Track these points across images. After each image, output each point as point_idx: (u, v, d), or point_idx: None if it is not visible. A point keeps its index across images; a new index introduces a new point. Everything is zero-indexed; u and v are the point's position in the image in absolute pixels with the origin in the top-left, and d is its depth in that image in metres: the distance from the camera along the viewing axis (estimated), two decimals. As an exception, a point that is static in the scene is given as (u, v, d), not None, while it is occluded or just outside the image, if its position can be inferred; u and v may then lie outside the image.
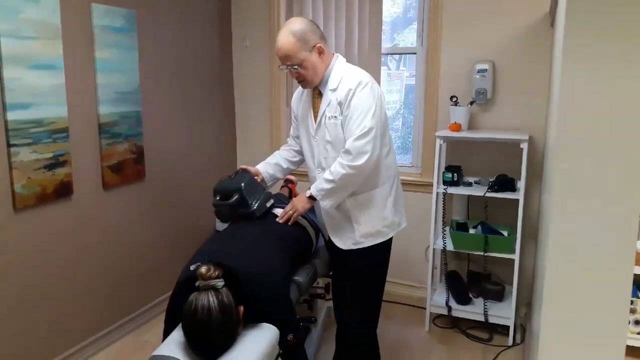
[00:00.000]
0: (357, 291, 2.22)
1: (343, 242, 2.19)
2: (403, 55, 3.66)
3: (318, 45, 2.06)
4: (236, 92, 3.93)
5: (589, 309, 1.43)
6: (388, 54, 3.62)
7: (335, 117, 2.07)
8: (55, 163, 2.51)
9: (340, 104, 2.05)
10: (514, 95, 3.09)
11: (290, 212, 2.16)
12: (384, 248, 2.22)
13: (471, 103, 3.11)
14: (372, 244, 2.15)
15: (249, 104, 3.90)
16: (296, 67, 2.05)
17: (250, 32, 3.78)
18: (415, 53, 3.40)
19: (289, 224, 2.16)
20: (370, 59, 3.37)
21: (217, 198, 2.22)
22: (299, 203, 2.15)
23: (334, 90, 2.08)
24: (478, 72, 3.07)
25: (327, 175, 2.04)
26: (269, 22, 3.68)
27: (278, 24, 3.64)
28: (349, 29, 3.41)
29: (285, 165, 2.43)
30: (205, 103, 3.63)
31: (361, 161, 1.97)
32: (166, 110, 3.26)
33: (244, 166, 2.34)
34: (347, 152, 1.99)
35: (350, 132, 2.00)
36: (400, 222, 2.25)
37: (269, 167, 2.41)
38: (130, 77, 2.92)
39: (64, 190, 2.57)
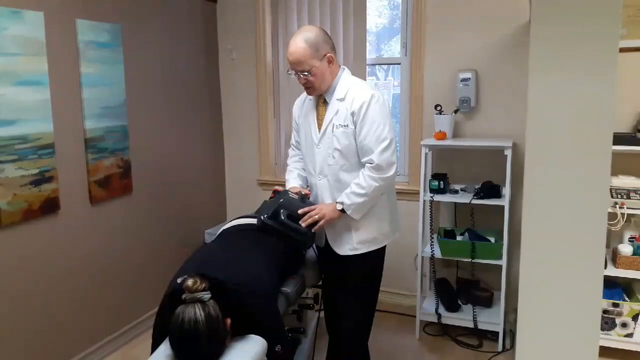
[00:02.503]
0: (352, 298, 2.24)
1: (340, 248, 2.22)
2: (391, 65, 3.70)
3: (329, 54, 2.11)
4: (223, 104, 3.95)
5: (562, 311, 1.46)
6: (373, 64, 3.66)
7: (345, 126, 2.11)
8: (42, 179, 2.50)
9: (353, 114, 2.09)
10: (497, 103, 3.14)
11: (317, 217, 2.11)
12: (379, 255, 2.27)
13: (455, 111, 3.15)
14: (368, 250, 2.20)
15: (237, 115, 3.91)
16: (306, 73, 2.09)
17: (236, 44, 3.80)
18: (399, 63, 3.44)
19: (313, 230, 2.11)
20: (355, 70, 3.39)
21: (286, 215, 2.12)
22: (328, 212, 2.11)
23: (342, 99, 2.13)
24: (461, 80, 3.12)
25: (356, 189, 2.07)
26: (255, 34, 3.71)
27: (264, 36, 3.67)
28: (334, 39, 3.42)
29: (304, 175, 2.43)
30: (193, 116, 3.64)
31: (391, 172, 2.07)
32: (153, 124, 3.26)
33: (308, 192, 2.30)
34: (378, 166, 2.05)
35: (372, 144, 2.06)
36: (394, 231, 2.31)
37: (300, 181, 2.40)
38: (116, 92, 2.93)
39: (50, 206, 2.56)
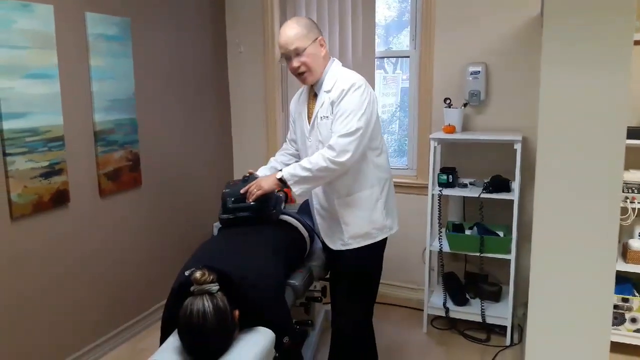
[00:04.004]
0: (347, 294, 2.22)
1: (333, 243, 2.21)
2: (400, 58, 3.68)
3: (320, 37, 2.12)
4: (232, 98, 3.95)
5: (573, 306, 1.45)
6: (382, 57, 3.64)
7: (327, 117, 2.10)
8: (52, 171, 2.52)
9: (332, 103, 2.08)
10: (507, 97, 3.11)
11: (254, 189, 2.13)
12: (374, 250, 2.21)
13: (465, 105, 3.13)
14: (361, 245, 2.16)
15: (245, 109, 3.91)
16: (299, 53, 2.07)
17: (244, 38, 3.80)
18: (408, 56, 3.42)
19: (250, 201, 2.13)
20: (364, 63, 3.39)
21: (232, 200, 2.19)
22: (265, 183, 2.12)
23: (328, 91, 2.11)
24: (471, 74, 3.09)
25: (304, 163, 2.04)
26: (263, 28, 3.71)
27: (272, 29, 3.66)
28: (343, 33, 3.43)
29: (280, 167, 2.44)
30: (201, 109, 3.64)
31: (343, 159, 1.99)
32: (162, 117, 3.27)
33: (252, 171, 2.35)
34: (331, 147, 2.00)
35: (337, 129, 2.03)
36: (391, 225, 2.24)
37: (268, 171, 2.42)
38: (125, 85, 2.94)
39: (60, 199, 2.58)
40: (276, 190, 2.20)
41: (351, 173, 2.12)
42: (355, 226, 2.15)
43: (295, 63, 2.10)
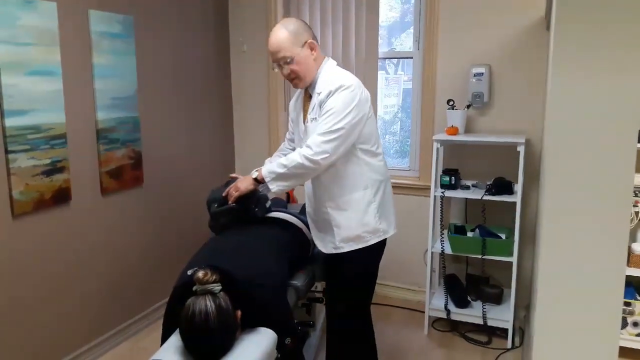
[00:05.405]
0: (344, 296, 2.20)
1: (325, 246, 2.19)
2: (401, 59, 3.67)
3: (310, 41, 2.07)
4: (234, 98, 3.94)
5: (582, 311, 1.44)
6: (385, 58, 3.63)
7: (315, 118, 2.08)
8: (54, 169, 2.51)
9: (320, 104, 2.05)
10: (510, 98, 3.10)
11: (232, 191, 2.14)
12: (367, 254, 2.15)
13: (468, 106, 3.12)
14: (352, 249, 2.12)
15: (247, 109, 3.91)
16: (288, 61, 2.05)
17: (247, 37, 3.79)
18: (412, 57, 3.41)
19: (230, 202, 2.14)
20: (367, 64, 3.39)
21: (215, 206, 2.20)
22: (242, 184, 2.13)
23: (319, 93, 2.08)
24: (474, 75, 3.09)
25: (282, 160, 2.04)
26: (266, 28, 3.70)
27: (275, 29, 3.66)
28: (346, 34, 3.42)
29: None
30: (203, 108, 3.64)
31: (318, 158, 1.97)
32: (164, 115, 3.27)
33: (233, 175, 2.35)
34: (309, 146, 1.98)
35: (318, 128, 2.00)
36: (386, 229, 2.17)
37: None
38: (127, 83, 2.93)
39: (62, 196, 2.57)
40: (259, 191, 2.18)
41: (342, 174, 2.09)
42: (346, 229, 2.11)
43: (285, 70, 2.09)
